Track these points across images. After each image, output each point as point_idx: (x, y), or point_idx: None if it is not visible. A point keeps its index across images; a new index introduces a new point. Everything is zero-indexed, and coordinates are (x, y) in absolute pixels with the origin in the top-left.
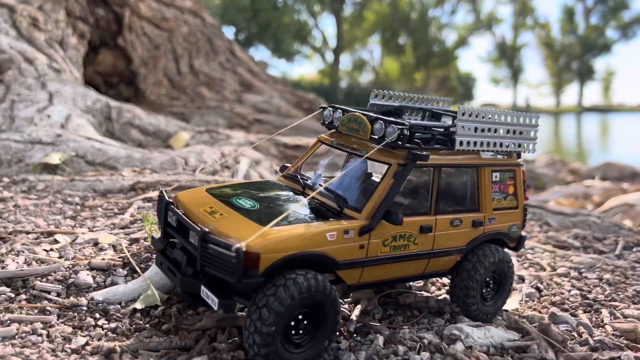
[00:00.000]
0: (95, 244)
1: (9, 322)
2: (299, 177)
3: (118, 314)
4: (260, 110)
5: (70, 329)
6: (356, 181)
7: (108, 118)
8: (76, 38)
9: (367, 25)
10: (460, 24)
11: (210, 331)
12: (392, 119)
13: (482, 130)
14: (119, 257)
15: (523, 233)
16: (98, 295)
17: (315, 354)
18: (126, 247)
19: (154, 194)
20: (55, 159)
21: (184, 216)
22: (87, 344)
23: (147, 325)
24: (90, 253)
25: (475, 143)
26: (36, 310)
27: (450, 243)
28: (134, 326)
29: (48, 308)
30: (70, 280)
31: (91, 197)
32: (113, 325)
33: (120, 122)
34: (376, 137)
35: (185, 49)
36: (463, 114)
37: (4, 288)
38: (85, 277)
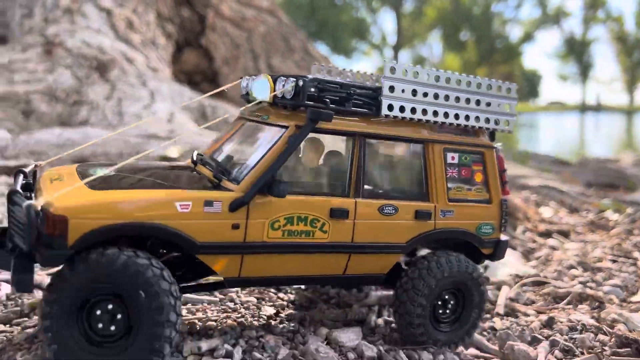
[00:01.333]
0: None
1: None
2: (194, 156)
3: (289, 289)
4: None
5: (255, 300)
6: (256, 153)
7: (203, 115)
8: (164, 38)
9: (428, 21)
10: (525, 19)
11: (375, 307)
12: (302, 75)
13: (425, 95)
14: None
15: (503, 237)
16: None
17: None
18: None
19: None
20: (174, 152)
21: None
22: (277, 313)
23: (319, 300)
24: None
25: (413, 110)
26: None
27: (380, 236)
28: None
29: None
30: None
31: None
32: (291, 296)
33: (214, 118)
34: (280, 97)
35: (263, 48)
36: (392, 71)
37: None
38: None
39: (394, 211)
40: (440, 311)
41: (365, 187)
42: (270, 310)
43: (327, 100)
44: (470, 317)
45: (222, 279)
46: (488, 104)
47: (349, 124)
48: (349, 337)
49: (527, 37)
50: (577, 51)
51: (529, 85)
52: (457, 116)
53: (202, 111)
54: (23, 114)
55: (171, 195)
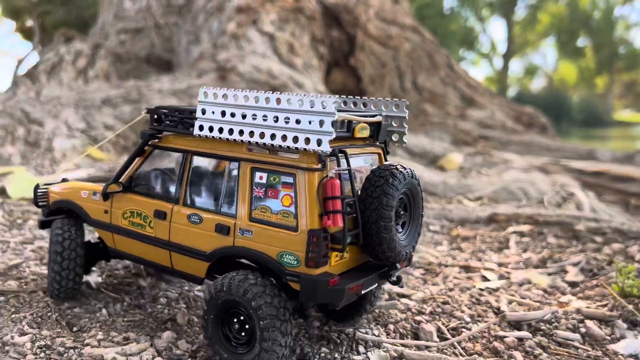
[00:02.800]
0: (523, 284)
1: None
2: None
3: None
4: (484, 125)
5: None
6: None
7: None
8: (317, 60)
9: (541, 27)
10: None
11: None
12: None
13: (233, 115)
14: (603, 305)
15: (317, 274)
16: (620, 348)
17: None
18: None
19: (524, 228)
20: None
21: None
22: None
23: None
24: (532, 295)
25: (221, 130)
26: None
27: (188, 241)
28: None
29: (583, 357)
30: (582, 330)
31: (451, 226)
32: None
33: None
34: None
35: (408, 65)
36: (205, 95)
37: (524, 333)
38: (596, 328)
39: (199, 220)
40: (233, 332)
41: (192, 196)
42: None
43: (166, 123)
44: (256, 347)
45: None
46: (297, 122)
47: (182, 143)
48: None
49: None
50: None
51: None
52: (262, 135)
53: None
54: None
55: (83, 187)
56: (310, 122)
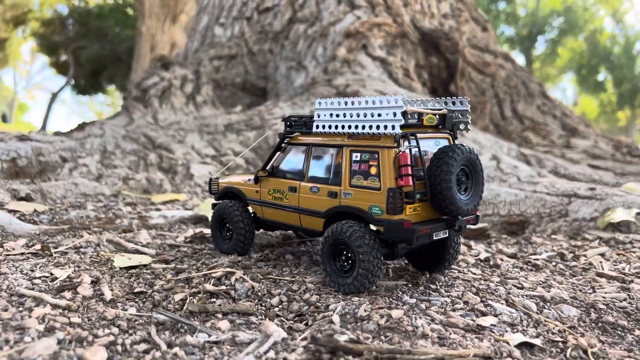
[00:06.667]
0: None
1: None
2: None
3: None
4: (593, 155)
5: None
6: None
7: (529, 167)
8: (421, 87)
9: (561, 62)
10: None
11: None
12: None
13: (337, 115)
14: None
15: (397, 219)
16: None
17: None
18: None
19: None
20: (629, 215)
21: None
22: None
23: None
24: None
25: (330, 126)
26: None
27: (311, 205)
28: None
29: None
30: None
31: None
32: None
33: (540, 169)
34: None
35: (507, 93)
36: (319, 104)
37: None
38: None
39: (317, 190)
40: (341, 263)
41: (310, 175)
42: None
43: (294, 126)
44: (356, 267)
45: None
46: (379, 115)
47: (306, 139)
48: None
49: None
50: None
51: None
52: (349, 127)
53: (526, 163)
54: None
55: (244, 177)
56: (387, 114)
